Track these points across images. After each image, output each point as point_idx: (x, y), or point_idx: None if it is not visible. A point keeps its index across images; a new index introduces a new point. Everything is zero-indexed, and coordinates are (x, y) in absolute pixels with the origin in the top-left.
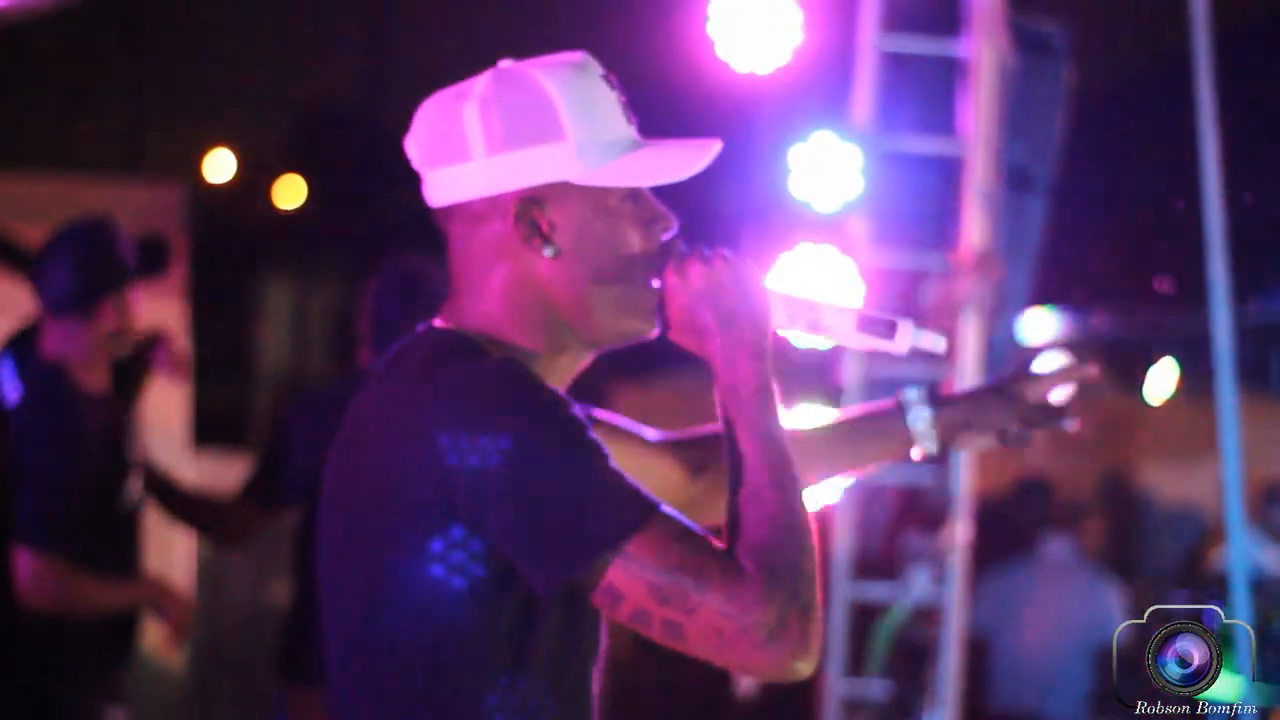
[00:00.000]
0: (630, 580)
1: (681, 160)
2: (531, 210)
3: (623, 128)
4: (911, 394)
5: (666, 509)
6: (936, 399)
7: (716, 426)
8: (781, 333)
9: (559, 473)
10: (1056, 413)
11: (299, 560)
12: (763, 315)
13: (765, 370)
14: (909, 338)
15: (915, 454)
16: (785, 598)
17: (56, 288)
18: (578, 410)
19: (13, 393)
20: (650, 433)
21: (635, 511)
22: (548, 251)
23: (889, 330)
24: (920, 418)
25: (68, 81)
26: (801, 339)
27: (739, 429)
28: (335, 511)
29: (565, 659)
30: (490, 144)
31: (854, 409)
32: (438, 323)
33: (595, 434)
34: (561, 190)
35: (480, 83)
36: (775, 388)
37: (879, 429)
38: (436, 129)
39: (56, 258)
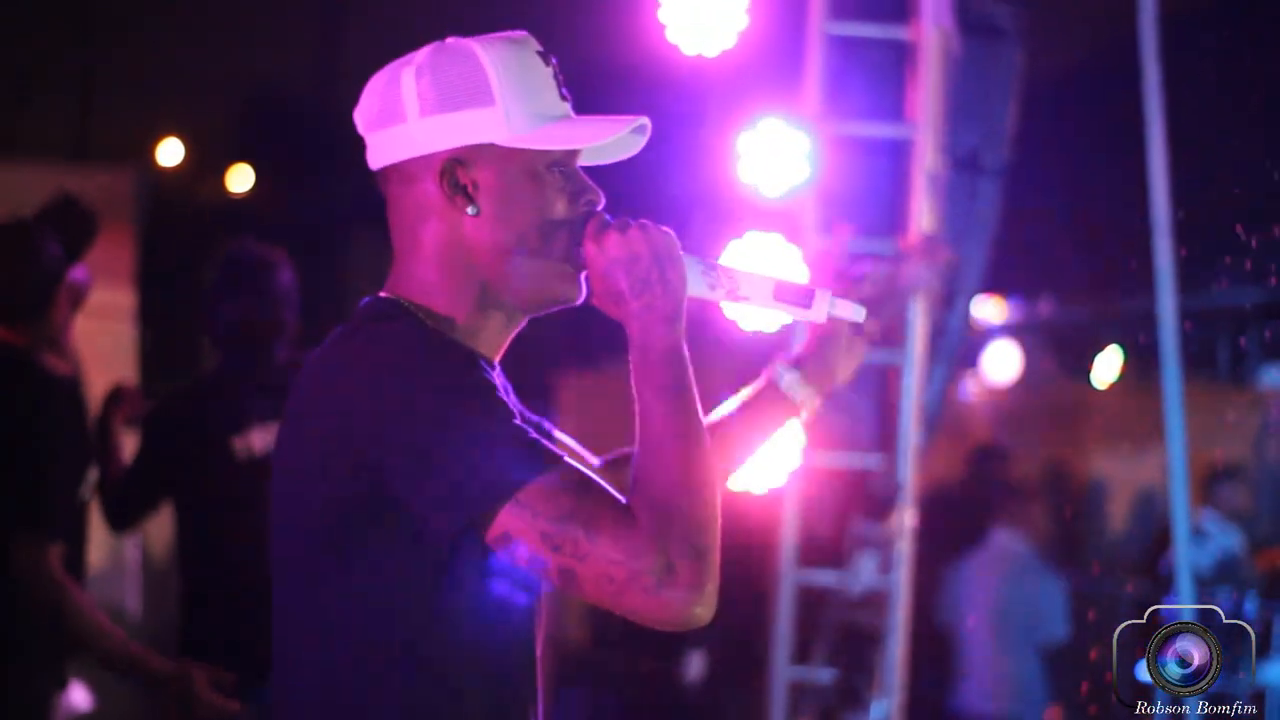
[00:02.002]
0: (524, 527)
1: (602, 128)
2: (456, 170)
3: (553, 100)
4: (778, 366)
5: (569, 463)
6: (799, 359)
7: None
8: (701, 299)
9: (456, 424)
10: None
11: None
12: (677, 283)
13: (676, 334)
14: (826, 306)
15: (803, 414)
16: (675, 544)
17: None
18: (488, 374)
19: None
20: (593, 458)
21: (531, 462)
22: (470, 210)
23: (806, 299)
24: (792, 382)
25: (17, 68)
26: (724, 307)
27: (646, 389)
28: (281, 488)
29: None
30: (424, 107)
31: (735, 398)
32: (382, 292)
33: (503, 396)
34: (488, 152)
35: (421, 53)
36: (685, 352)
37: (763, 406)
38: (379, 96)
39: None
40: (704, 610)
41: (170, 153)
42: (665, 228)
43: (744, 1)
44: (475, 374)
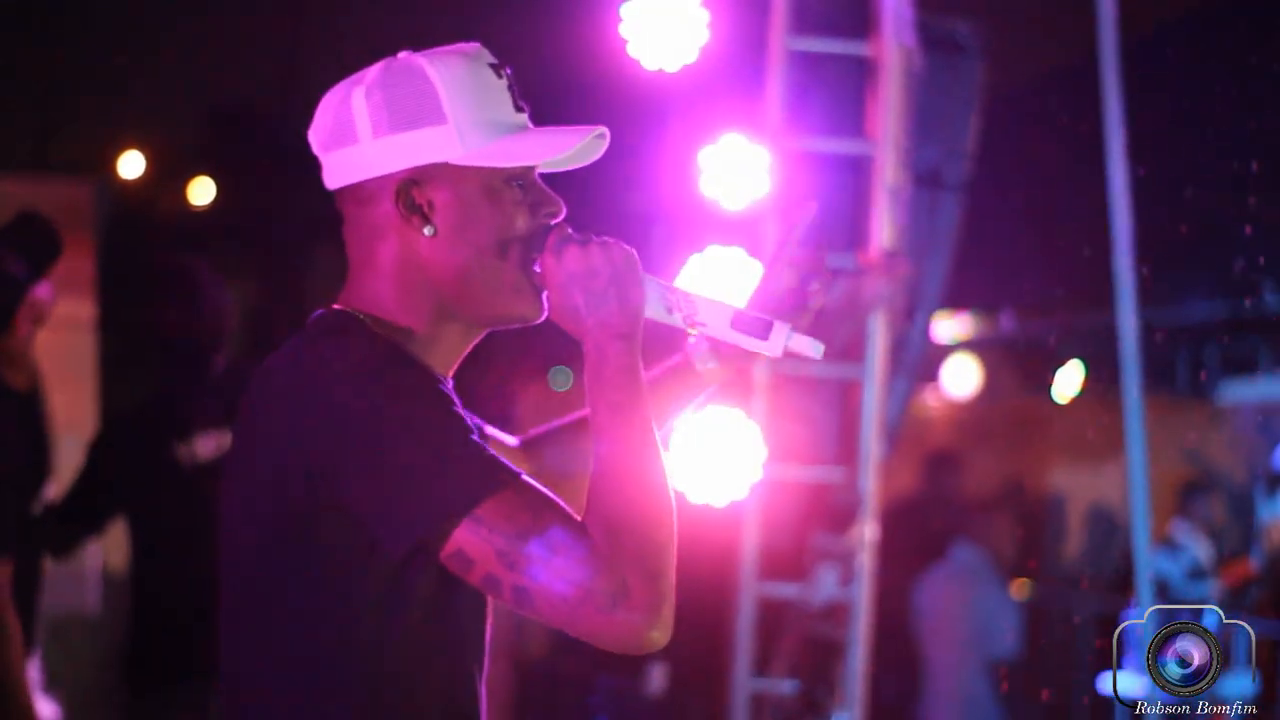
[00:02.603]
0: (479, 545)
1: (557, 141)
2: (411, 190)
3: (508, 114)
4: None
5: (525, 479)
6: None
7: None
8: (658, 321)
9: (412, 440)
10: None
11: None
12: (634, 301)
13: (631, 353)
14: (783, 340)
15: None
16: (630, 566)
17: None
18: (443, 387)
19: None
20: (511, 439)
21: (487, 478)
22: (426, 231)
23: (764, 330)
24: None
25: None
26: (678, 330)
27: (600, 407)
28: (233, 495)
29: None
30: (376, 128)
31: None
32: (336, 305)
33: (459, 410)
34: (442, 171)
35: (371, 71)
36: (640, 370)
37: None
38: (331, 116)
39: None
40: (659, 634)
41: (131, 165)
42: (628, 246)
43: (705, 16)
44: (431, 387)
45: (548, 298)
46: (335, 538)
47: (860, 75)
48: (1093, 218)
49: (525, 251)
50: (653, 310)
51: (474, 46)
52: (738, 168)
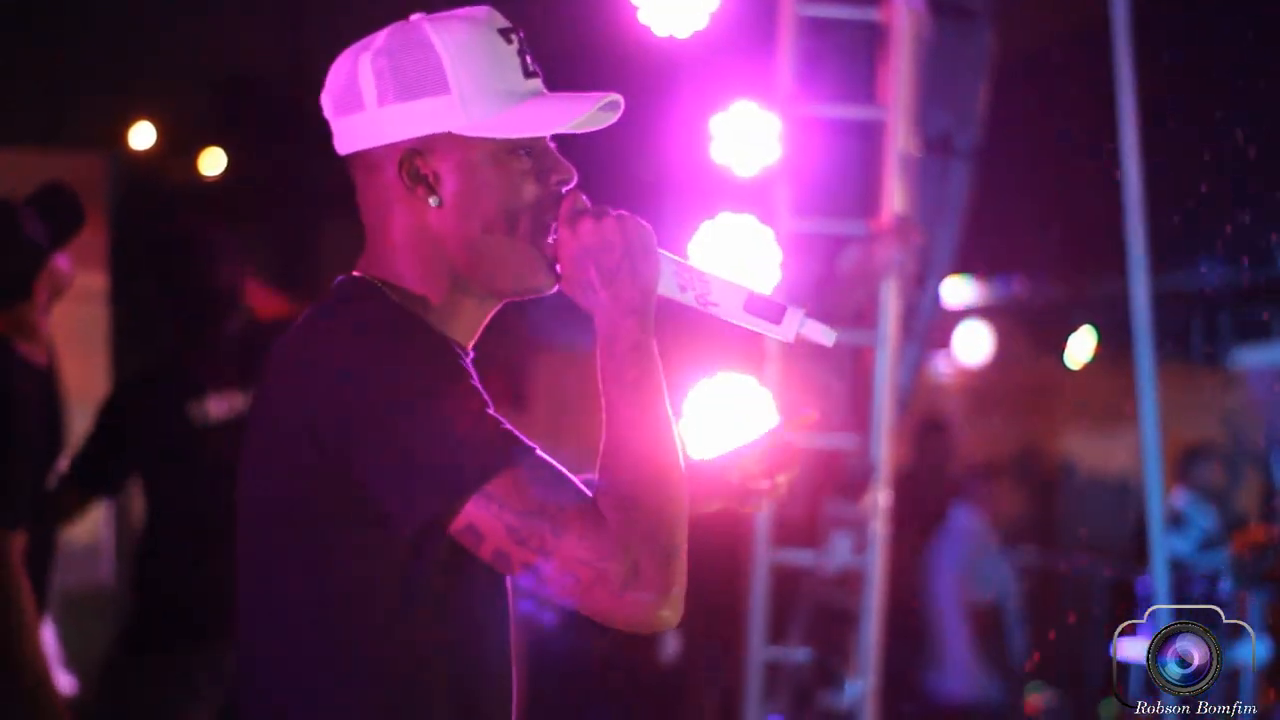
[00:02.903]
0: (490, 520)
1: (567, 109)
2: (415, 160)
3: (516, 81)
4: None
5: (540, 455)
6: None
7: None
8: (669, 299)
9: (427, 411)
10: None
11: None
12: (648, 278)
13: (643, 329)
14: (795, 325)
15: None
16: (641, 546)
17: None
18: (461, 358)
19: None
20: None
21: (501, 453)
22: (432, 201)
23: (776, 314)
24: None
25: None
26: (690, 308)
27: (611, 383)
28: (248, 467)
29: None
30: (381, 96)
31: None
32: (355, 272)
33: (475, 383)
34: (446, 141)
35: (380, 36)
36: (653, 347)
37: None
38: (341, 81)
39: None
40: (670, 614)
41: (142, 136)
42: (643, 221)
43: None
44: (448, 358)
45: (561, 269)
46: (348, 513)
47: (871, 41)
48: (1105, 183)
49: (535, 221)
50: (665, 287)
51: (484, 11)
52: (749, 134)
